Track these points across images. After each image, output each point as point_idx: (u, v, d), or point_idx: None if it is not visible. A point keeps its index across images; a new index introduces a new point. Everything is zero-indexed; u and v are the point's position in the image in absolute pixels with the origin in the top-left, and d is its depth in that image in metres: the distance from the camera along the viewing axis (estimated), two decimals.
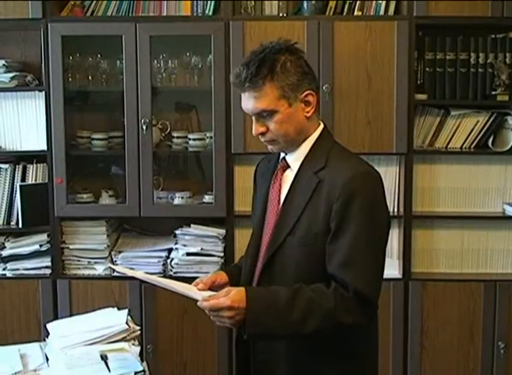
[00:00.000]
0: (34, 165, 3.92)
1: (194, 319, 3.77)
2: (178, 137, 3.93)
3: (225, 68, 3.70)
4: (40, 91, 3.82)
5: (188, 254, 3.79)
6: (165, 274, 3.80)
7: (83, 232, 3.87)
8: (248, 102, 2.01)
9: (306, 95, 2.01)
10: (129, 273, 2.19)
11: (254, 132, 2.05)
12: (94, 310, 2.64)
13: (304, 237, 1.97)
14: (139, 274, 2.17)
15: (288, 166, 2.10)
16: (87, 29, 3.76)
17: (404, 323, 3.80)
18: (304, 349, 2.00)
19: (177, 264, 3.79)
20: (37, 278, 3.86)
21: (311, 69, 2.08)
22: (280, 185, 2.09)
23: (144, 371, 2.13)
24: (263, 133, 2.03)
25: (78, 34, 3.76)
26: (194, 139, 3.89)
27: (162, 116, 3.97)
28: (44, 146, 3.81)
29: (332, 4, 3.79)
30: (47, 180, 3.84)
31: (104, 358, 2.21)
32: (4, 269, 3.88)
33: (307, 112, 2.02)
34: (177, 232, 3.85)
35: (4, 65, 3.85)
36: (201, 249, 3.80)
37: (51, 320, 3.03)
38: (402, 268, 3.80)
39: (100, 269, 3.85)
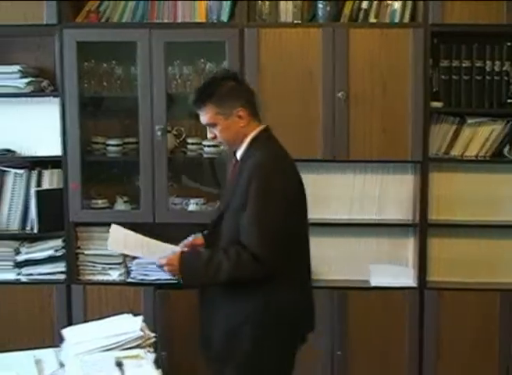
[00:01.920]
0: (49, 170, 3.94)
1: None
2: (193, 144, 3.94)
3: (239, 74, 3.70)
4: (56, 96, 3.83)
5: None
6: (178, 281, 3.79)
7: (97, 238, 3.87)
8: (200, 117, 2.71)
9: (238, 111, 2.65)
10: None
11: (208, 136, 2.75)
12: (108, 316, 2.64)
13: (232, 210, 2.62)
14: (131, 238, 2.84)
15: (237, 159, 2.74)
16: (101, 35, 3.78)
17: (419, 332, 3.78)
18: (223, 290, 2.66)
19: None
20: (51, 283, 3.88)
21: (247, 90, 2.72)
22: (233, 171, 2.78)
23: None
24: (214, 138, 2.72)
25: (93, 40, 3.78)
26: (209, 146, 3.89)
27: (177, 123, 3.97)
28: (59, 151, 3.83)
29: (346, 11, 3.79)
30: (62, 186, 3.85)
31: (119, 364, 2.20)
32: (19, 274, 3.90)
33: (241, 123, 2.66)
34: (190, 238, 3.83)
35: (19, 70, 3.86)
36: None
37: (65, 326, 3.04)
38: (417, 277, 3.78)
39: (114, 275, 3.85)
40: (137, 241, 2.83)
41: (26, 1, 3.74)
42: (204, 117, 2.67)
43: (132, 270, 3.85)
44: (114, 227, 2.87)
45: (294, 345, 2.74)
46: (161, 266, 2.70)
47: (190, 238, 2.93)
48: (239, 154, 2.72)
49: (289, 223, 2.57)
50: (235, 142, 2.70)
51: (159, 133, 3.73)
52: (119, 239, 2.86)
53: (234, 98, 2.66)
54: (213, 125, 2.67)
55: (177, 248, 2.75)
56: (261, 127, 2.72)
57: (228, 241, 2.62)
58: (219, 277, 2.55)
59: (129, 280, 3.85)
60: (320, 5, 3.78)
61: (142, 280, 3.84)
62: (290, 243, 2.59)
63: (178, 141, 3.97)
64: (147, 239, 2.83)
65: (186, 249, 2.78)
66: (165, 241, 4.02)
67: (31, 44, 4.03)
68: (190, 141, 3.95)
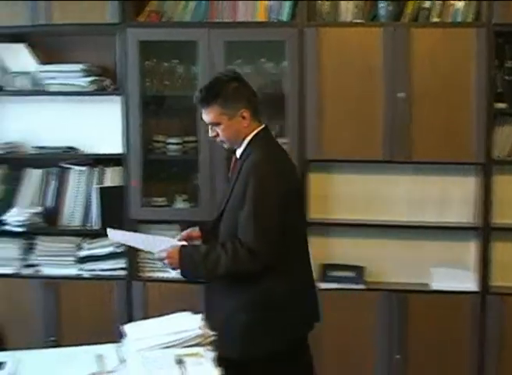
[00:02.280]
0: (111, 168, 4.00)
1: None
2: None
3: (299, 74, 3.70)
4: (118, 95, 3.88)
5: None
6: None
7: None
8: (203, 116, 2.78)
9: (242, 112, 2.72)
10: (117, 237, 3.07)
11: (210, 135, 2.81)
12: (167, 313, 2.65)
13: (231, 207, 2.72)
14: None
15: (237, 158, 2.82)
16: (163, 34, 3.81)
17: (480, 337, 3.71)
18: (223, 281, 2.79)
19: None
20: (112, 279, 3.94)
21: (250, 90, 2.77)
22: (233, 171, 2.83)
23: None
24: (216, 136, 2.78)
25: (154, 40, 3.81)
26: None
27: None
28: (120, 149, 3.88)
29: (408, 10, 3.74)
30: (123, 183, 3.90)
31: (179, 362, 2.21)
32: (80, 270, 3.97)
33: (244, 124, 2.73)
34: None
35: (83, 69, 3.93)
36: None
37: (126, 322, 3.06)
38: (479, 281, 3.72)
39: (174, 273, 3.86)
40: (136, 237, 3.01)
41: (89, 1, 3.79)
42: (208, 116, 2.74)
43: None
44: (111, 233, 3.01)
45: (294, 335, 2.80)
46: (161, 260, 2.79)
47: (187, 230, 3.01)
48: (238, 152, 2.80)
49: (284, 219, 2.67)
50: (236, 141, 2.77)
51: None
52: (119, 238, 3.09)
53: (238, 99, 2.73)
54: (216, 124, 2.74)
55: (174, 241, 2.85)
56: (261, 127, 2.80)
57: (226, 237, 2.73)
58: (217, 271, 2.67)
59: None
60: (381, 5, 3.74)
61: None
62: (286, 238, 2.69)
63: None
64: (145, 234, 3.06)
65: (185, 243, 2.85)
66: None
67: (94, 43, 4.08)
68: None
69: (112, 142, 3.93)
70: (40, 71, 3.99)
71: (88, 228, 3.99)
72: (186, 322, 2.51)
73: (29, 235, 3.97)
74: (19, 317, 3.91)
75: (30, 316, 3.98)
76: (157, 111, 4.05)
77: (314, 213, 3.81)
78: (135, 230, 3.55)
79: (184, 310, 2.66)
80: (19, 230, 3.97)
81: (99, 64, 4.08)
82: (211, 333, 2.44)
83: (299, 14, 3.75)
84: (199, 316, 2.53)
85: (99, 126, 4.01)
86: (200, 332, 2.40)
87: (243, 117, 2.73)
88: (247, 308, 2.71)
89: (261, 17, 3.85)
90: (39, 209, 4.06)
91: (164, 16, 3.93)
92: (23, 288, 3.99)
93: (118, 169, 3.98)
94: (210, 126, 2.78)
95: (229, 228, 2.73)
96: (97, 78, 3.95)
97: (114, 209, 3.89)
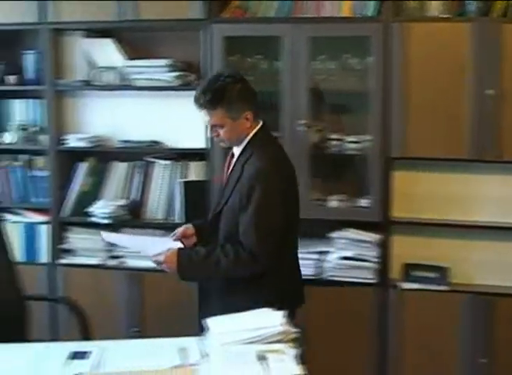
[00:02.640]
0: (195, 162, 4.04)
1: (348, 320, 3.77)
2: (334, 140, 3.90)
3: (384, 70, 3.65)
4: None
5: (343, 258, 3.77)
6: (318, 277, 3.82)
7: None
8: (205, 118, 2.76)
9: (246, 115, 2.74)
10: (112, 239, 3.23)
11: (211, 136, 2.84)
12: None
13: (231, 207, 2.75)
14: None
15: (233, 155, 2.84)
16: (247, 30, 3.82)
17: None
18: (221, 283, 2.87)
19: (331, 268, 3.78)
20: None
21: (252, 91, 2.78)
22: (228, 168, 2.87)
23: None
24: (217, 136, 2.78)
25: (239, 35, 3.82)
26: (351, 142, 3.85)
27: (319, 118, 3.94)
28: (204, 144, 3.91)
29: (498, 5, 3.63)
30: (206, 178, 3.93)
31: (261, 358, 2.21)
32: None
33: (247, 125, 2.75)
34: (333, 235, 3.83)
35: (168, 64, 3.98)
36: (356, 254, 3.76)
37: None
38: None
39: None
40: (132, 239, 3.09)
41: None
42: (211, 119, 2.73)
43: None
44: (105, 235, 3.12)
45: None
46: (158, 264, 2.80)
47: (181, 229, 3.00)
48: (237, 151, 2.82)
49: (285, 222, 2.74)
50: (237, 141, 2.79)
51: (301, 128, 3.72)
52: (115, 240, 3.19)
53: (243, 101, 2.73)
54: (220, 126, 2.73)
55: (171, 241, 2.87)
56: (260, 125, 2.81)
57: (224, 236, 2.78)
58: (217, 274, 2.74)
59: None
60: (469, 2, 3.64)
61: None
62: (284, 240, 2.77)
63: (319, 136, 3.94)
64: (141, 236, 3.09)
65: (180, 244, 2.86)
66: (304, 236, 4.06)
67: (179, 39, 4.13)
68: (331, 136, 3.92)
69: (195, 137, 3.97)
70: (127, 66, 4.06)
71: (171, 221, 4.04)
72: (268, 318, 2.50)
73: (114, 227, 4.05)
74: (104, 308, 4.00)
75: (115, 306, 4.07)
76: None
77: (398, 212, 3.75)
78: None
79: None
80: (105, 222, 4.06)
81: (184, 59, 4.12)
82: (293, 330, 2.43)
83: (385, 8, 3.68)
84: (281, 313, 2.52)
85: (183, 120, 4.05)
86: (282, 329, 2.39)
87: (247, 119, 2.75)
88: (254, 306, 2.61)
89: (346, 12, 3.81)
90: (124, 202, 4.14)
91: (248, 12, 3.93)
92: (108, 279, 4.08)
93: (201, 163, 4.02)
94: (211, 127, 2.78)
95: (229, 227, 2.77)
96: (182, 73, 4.00)
97: (197, 203, 3.92)
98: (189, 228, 3.00)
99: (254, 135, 2.79)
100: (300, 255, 3.77)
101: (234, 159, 2.84)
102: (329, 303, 3.77)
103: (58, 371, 2.24)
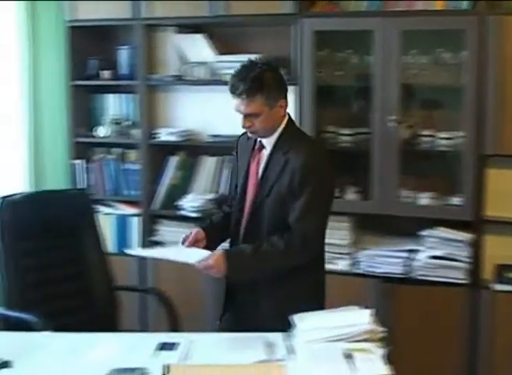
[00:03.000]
0: None
1: (437, 320, 3.69)
2: (426, 136, 3.82)
3: (478, 64, 3.54)
4: (292, 85, 3.90)
5: (433, 257, 3.69)
6: (407, 276, 3.76)
7: (329, 226, 3.87)
8: (241, 107, 2.67)
9: (281, 102, 2.71)
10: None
11: (242, 125, 2.72)
12: (333, 306, 2.64)
13: (276, 198, 2.70)
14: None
15: (263, 147, 2.78)
16: (338, 24, 3.79)
17: None
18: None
19: (421, 267, 3.71)
20: None
21: (284, 80, 2.75)
22: (258, 161, 2.79)
23: None
24: (250, 127, 2.70)
25: (329, 29, 3.79)
26: (443, 138, 3.76)
27: (410, 113, 3.87)
28: None
29: None
30: None
31: (348, 356, 2.19)
32: None
33: (282, 113, 2.74)
34: (423, 233, 3.76)
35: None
36: (447, 253, 3.68)
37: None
38: None
39: (341, 265, 3.86)
40: (165, 251, 3.03)
41: None
42: (249, 107, 2.65)
43: (360, 261, 3.84)
44: (134, 252, 3.18)
45: None
46: (206, 269, 2.66)
47: (192, 234, 2.83)
48: (268, 141, 2.75)
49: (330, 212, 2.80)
50: (271, 130, 2.73)
51: (392, 124, 3.67)
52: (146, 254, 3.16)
53: (279, 89, 2.70)
54: (256, 115, 2.66)
55: (206, 252, 2.70)
56: (288, 115, 2.80)
57: (268, 230, 2.72)
58: (268, 268, 2.69)
59: (356, 270, 3.85)
60: None
61: (369, 271, 3.82)
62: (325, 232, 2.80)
63: (410, 132, 3.87)
64: (173, 247, 2.97)
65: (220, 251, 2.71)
66: (393, 234, 4.01)
67: (270, 34, 4.13)
68: (422, 132, 3.84)
69: None
70: (218, 61, 4.10)
71: None
72: (355, 316, 2.48)
73: (202, 220, 4.08)
74: (192, 300, 4.05)
75: (202, 299, 4.12)
76: (329, 101, 4.02)
77: (491, 211, 3.63)
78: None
79: (350, 304, 2.64)
80: (194, 215, 4.11)
81: (274, 55, 4.10)
82: (381, 329, 2.40)
83: (479, 2, 3.58)
84: (368, 311, 2.49)
85: None
86: (369, 327, 2.37)
87: (282, 107, 2.72)
88: (305, 303, 2.66)
89: (439, 5, 3.72)
90: (213, 196, 4.18)
91: (338, 7, 3.90)
92: (196, 272, 4.07)
93: None
94: (244, 117, 2.69)
95: (273, 219, 2.71)
96: None
97: None
98: (200, 232, 2.88)
99: (286, 125, 2.76)
100: (388, 253, 3.80)
101: (266, 151, 2.78)
102: (418, 303, 3.71)
103: (146, 361, 2.27)
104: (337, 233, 3.85)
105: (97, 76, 4.35)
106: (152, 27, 4.23)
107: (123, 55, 4.32)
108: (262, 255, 2.66)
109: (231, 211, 2.94)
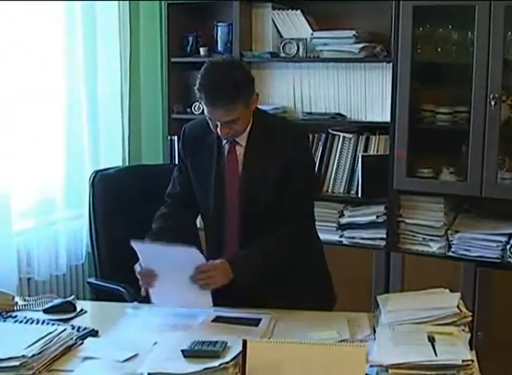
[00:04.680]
0: (377, 136, 3.97)
1: None
2: None
3: None
4: (388, 62, 3.82)
5: None
6: (503, 260, 3.62)
7: (420, 207, 3.82)
8: (221, 117, 2.46)
9: (254, 98, 2.53)
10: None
11: (221, 134, 2.51)
12: (424, 288, 2.57)
13: (269, 189, 2.56)
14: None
15: (235, 142, 2.60)
16: None
17: None
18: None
19: None
20: (371, 249, 3.91)
21: (249, 70, 2.61)
22: (236, 158, 2.61)
23: (472, 361, 2.00)
24: (227, 133, 2.51)
25: (429, 5, 3.67)
26: None
27: None
28: (387, 118, 3.82)
29: None
30: (388, 152, 3.84)
31: (431, 339, 2.13)
32: (341, 237, 4.00)
33: (254, 106, 2.56)
34: None
35: (354, 35, 3.92)
36: None
37: (382, 292, 3.02)
38: None
39: (435, 247, 3.77)
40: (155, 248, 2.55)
41: None
42: (229, 115, 2.44)
43: (453, 244, 3.73)
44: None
45: None
46: (206, 284, 2.45)
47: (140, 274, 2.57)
48: (243, 137, 2.58)
49: None
50: (247, 127, 2.58)
51: (493, 102, 3.52)
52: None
53: (251, 84, 2.52)
54: (236, 120, 2.48)
55: (192, 252, 2.44)
56: None
57: (269, 217, 2.59)
58: (276, 261, 2.57)
59: (450, 253, 3.74)
60: None
61: (463, 255, 3.70)
62: None
63: None
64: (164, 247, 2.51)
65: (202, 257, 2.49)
66: (490, 217, 3.86)
67: (367, 9, 4.03)
68: None
69: (379, 110, 3.91)
70: (314, 38, 4.05)
71: (352, 196, 4.00)
72: (443, 299, 2.42)
73: None
74: None
75: None
76: (427, 79, 3.89)
77: None
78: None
79: (441, 287, 2.57)
80: None
81: (373, 30, 4.04)
82: (469, 313, 2.32)
83: None
84: (457, 295, 2.42)
85: (368, 93, 3.98)
86: (456, 311, 2.30)
87: (255, 101, 2.55)
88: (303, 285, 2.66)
89: None
90: None
91: None
92: None
93: (384, 137, 3.93)
94: (222, 124, 2.48)
95: (271, 204, 2.57)
96: (367, 45, 3.92)
97: (377, 178, 3.85)
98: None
99: (254, 114, 2.60)
100: (485, 237, 3.67)
101: (241, 146, 2.60)
102: None
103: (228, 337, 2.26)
104: (431, 215, 3.77)
105: (196, 53, 4.38)
106: (249, 3, 4.22)
107: (220, 31, 4.32)
108: (268, 248, 2.56)
109: (179, 222, 2.75)
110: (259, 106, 2.67)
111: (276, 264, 2.57)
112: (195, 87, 2.50)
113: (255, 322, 2.45)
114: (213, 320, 2.49)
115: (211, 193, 2.65)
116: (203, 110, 4.23)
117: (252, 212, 2.61)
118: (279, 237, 2.57)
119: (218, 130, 2.51)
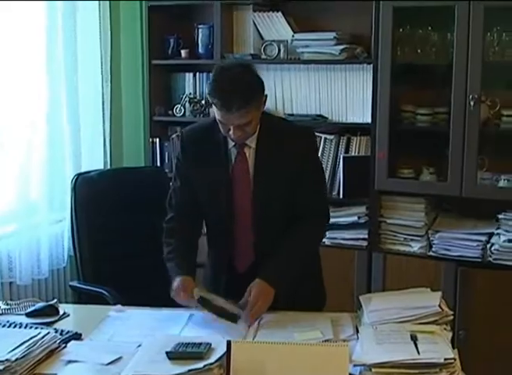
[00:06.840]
0: (358, 137, 3.99)
1: None
2: (508, 116, 3.68)
3: None
4: (369, 63, 3.84)
5: (510, 241, 3.57)
6: (483, 260, 3.65)
7: (401, 207, 3.84)
8: (234, 120, 2.44)
9: (264, 99, 2.54)
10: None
11: (234, 137, 2.50)
12: (406, 287, 2.59)
13: (282, 188, 2.59)
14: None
15: (246, 145, 2.58)
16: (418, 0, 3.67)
17: None
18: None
19: (497, 250, 3.60)
20: (353, 249, 3.93)
21: (256, 72, 2.56)
22: (246, 159, 2.59)
23: (454, 359, 2.02)
24: (239, 136, 2.50)
25: (409, 5, 3.69)
26: None
27: (492, 93, 3.72)
28: (368, 119, 3.84)
29: None
30: (369, 153, 3.86)
31: (413, 338, 2.15)
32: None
33: (263, 108, 2.56)
34: (500, 216, 3.65)
35: (335, 37, 3.93)
36: None
37: (364, 292, 3.04)
38: None
39: (416, 247, 3.79)
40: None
41: None
42: (243, 118, 2.44)
43: (434, 244, 3.75)
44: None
45: None
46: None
47: (179, 285, 2.53)
48: (253, 138, 2.58)
49: None
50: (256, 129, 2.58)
51: (472, 103, 3.55)
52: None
53: (261, 86, 2.53)
54: (249, 123, 2.48)
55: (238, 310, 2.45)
56: None
57: (284, 215, 2.63)
58: (306, 258, 2.68)
59: (431, 253, 3.77)
60: None
61: (444, 254, 3.73)
62: None
63: (491, 112, 3.74)
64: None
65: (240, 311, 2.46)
66: (470, 217, 3.89)
67: (348, 10, 4.04)
68: (504, 112, 3.70)
69: (360, 111, 3.93)
70: (294, 39, 4.06)
71: (333, 197, 4.02)
72: (425, 298, 2.44)
73: None
74: None
75: None
76: (408, 80, 3.92)
77: None
78: None
79: (423, 286, 2.59)
80: None
81: (354, 32, 4.06)
82: (450, 312, 2.34)
83: None
84: (438, 294, 2.44)
85: (348, 95, 4.00)
86: (438, 310, 2.32)
87: (264, 102, 2.56)
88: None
89: None
90: None
91: None
92: None
93: (365, 138, 3.96)
94: (235, 128, 2.47)
95: (286, 204, 2.61)
96: (348, 46, 3.94)
97: (359, 179, 3.88)
98: (188, 280, 2.56)
99: (260, 118, 2.58)
100: (465, 236, 3.70)
101: (250, 147, 2.60)
102: (493, 287, 3.60)
103: (211, 338, 2.27)
104: (412, 215, 3.80)
105: (177, 55, 4.38)
106: (230, 5, 4.23)
107: (201, 33, 4.33)
108: (294, 254, 2.60)
109: (189, 231, 2.70)
110: None
111: (305, 263, 2.66)
112: (206, 93, 2.55)
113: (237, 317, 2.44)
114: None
115: (222, 195, 2.62)
116: (184, 113, 4.36)
117: (265, 213, 2.62)
118: (302, 237, 2.63)
119: (231, 133, 2.49)
